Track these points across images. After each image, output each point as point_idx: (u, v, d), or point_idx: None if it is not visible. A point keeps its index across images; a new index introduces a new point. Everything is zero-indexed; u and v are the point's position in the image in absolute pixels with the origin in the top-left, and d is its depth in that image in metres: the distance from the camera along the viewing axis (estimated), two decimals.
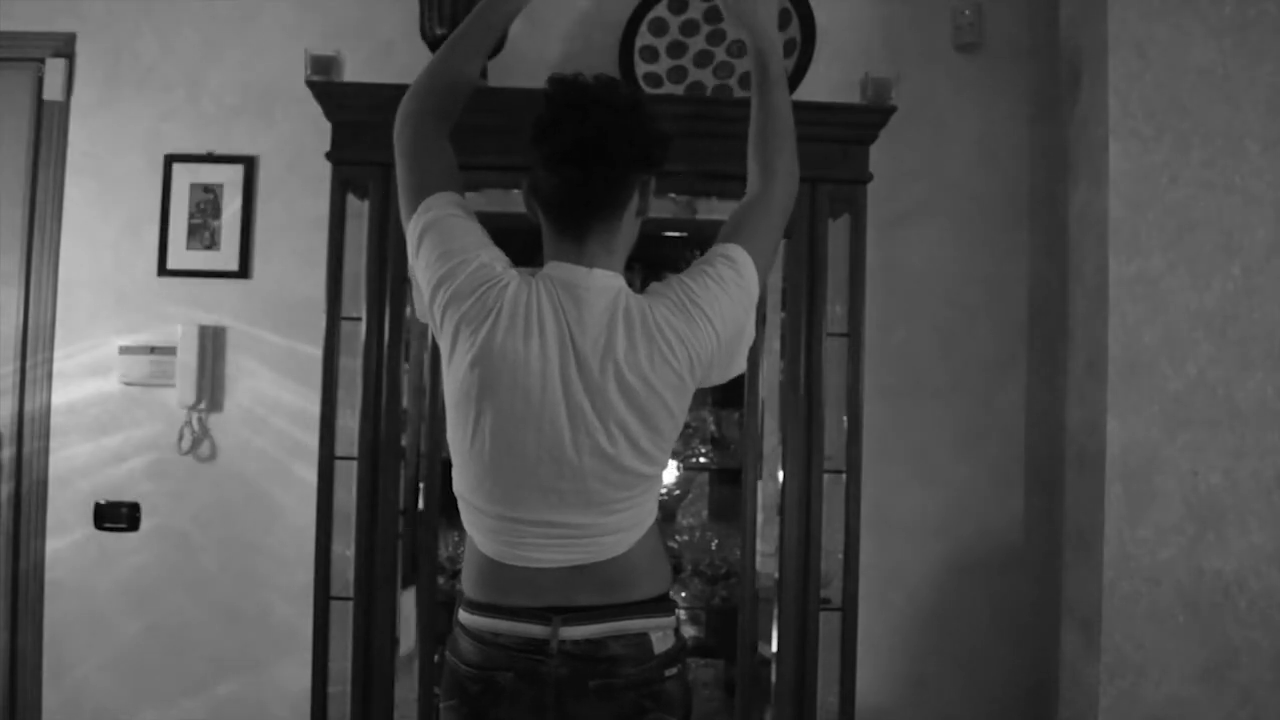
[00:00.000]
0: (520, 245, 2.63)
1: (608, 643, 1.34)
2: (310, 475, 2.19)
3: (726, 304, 1.36)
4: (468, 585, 1.41)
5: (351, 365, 2.14)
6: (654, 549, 1.41)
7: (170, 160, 2.55)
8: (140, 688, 2.52)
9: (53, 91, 2.56)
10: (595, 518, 1.34)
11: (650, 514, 1.41)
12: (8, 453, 2.53)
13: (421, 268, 1.35)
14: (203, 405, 2.52)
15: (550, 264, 1.35)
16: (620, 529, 1.36)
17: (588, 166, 1.28)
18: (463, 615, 1.40)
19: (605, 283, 1.32)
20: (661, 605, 1.39)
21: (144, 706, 2.52)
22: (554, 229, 1.36)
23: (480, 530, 1.38)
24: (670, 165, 2.17)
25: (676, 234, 2.38)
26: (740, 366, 1.42)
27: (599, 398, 1.28)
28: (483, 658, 1.36)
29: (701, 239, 2.43)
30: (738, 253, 1.40)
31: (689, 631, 2.56)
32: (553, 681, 1.33)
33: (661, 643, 1.37)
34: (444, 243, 1.34)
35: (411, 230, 1.38)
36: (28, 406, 2.53)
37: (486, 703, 1.35)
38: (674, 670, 1.38)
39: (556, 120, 1.28)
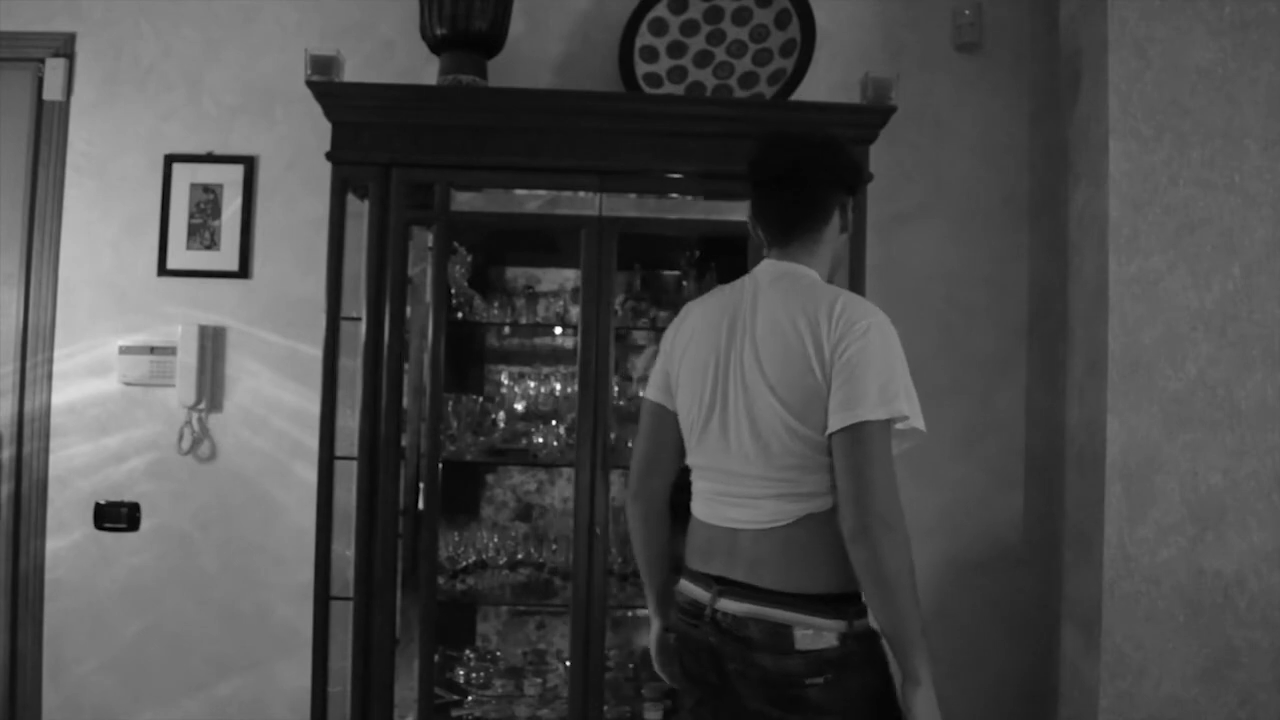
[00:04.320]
0: (519, 245, 2.64)
1: (748, 623, 1.41)
2: (310, 475, 2.19)
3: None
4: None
5: (351, 365, 2.14)
6: (819, 544, 1.40)
7: (170, 160, 2.55)
8: (140, 688, 2.52)
9: (53, 91, 2.56)
10: (765, 469, 1.43)
11: (812, 502, 1.41)
12: (8, 453, 2.53)
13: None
14: (203, 405, 2.52)
15: (758, 265, 1.58)
16: (782, 494, 1.42)
17: (788, 188, 1.54)
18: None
19: (799, 270, 1.53)
20: (816, 605, 1.39)
21: (144, 706, 2.52)
22: (766, 241, 1.59)
23: (697, 495, 1.57)
24: (671, 166, 2.20)
25: (676, 234, 2.38)
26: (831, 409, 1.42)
27: (750, 353, 1.46)
28: (673, 621, 1.58)
29: (701, 239, 2.45)
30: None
31: None
32: (705, 648, 1.47)
33: (809, 641, 1.38)
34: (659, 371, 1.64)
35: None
36: (28, 406, 2.53)
37: (666, 662, 1.63)
38: (819, 680, 1.37)
39: (764, 154, 1.56)
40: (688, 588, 1.52)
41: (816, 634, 1.38)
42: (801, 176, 1.53)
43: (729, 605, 1.43)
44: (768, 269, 1.55)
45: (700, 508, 1.54)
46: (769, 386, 1.42)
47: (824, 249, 1.55)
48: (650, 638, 1.70)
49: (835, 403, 1.37)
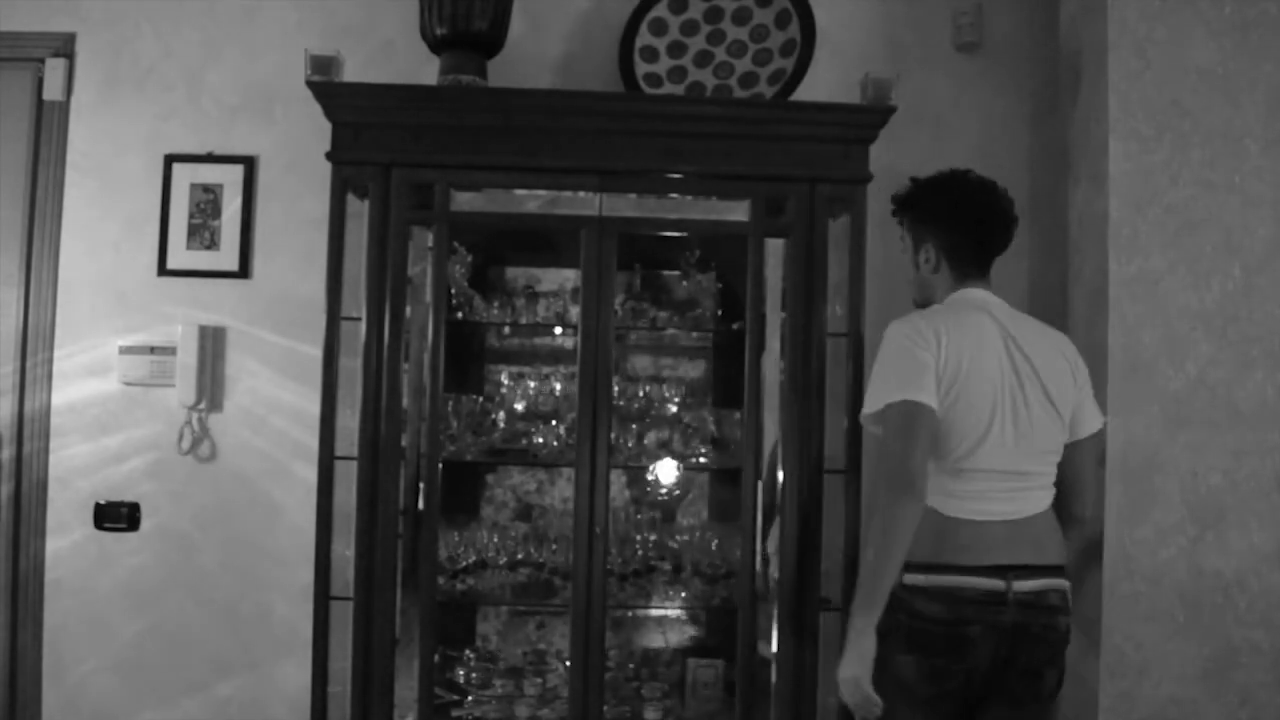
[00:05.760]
0: (519, 245, 2.64)
1: (1048, 594, 1.71)
2: (310, 475, 2.19)
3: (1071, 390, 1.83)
4: (926, 551, 1.69)
5: (351, 365, 2.14)
6: (1055, 521, 1.80)
7: (170, 160, 2.55)
8: (140, 688, 2.52)
9: (53, 91, 2.56)
10: (1041, 466, 1.77)
11: (1053, 491, 1.81)
12: (8, 453, 2.53)
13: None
14: (203, 405, 2.52)
15: (963, 292, 1.85)
16: (1044, 485, 1.79)
17: (997, 226, 1.88)
18: (918, 579, 1.69)
19: (1003, 302, 1.86)
20: (1065, 571, 1.78)
21: (144, 707, 2.52)
22: (960, 271, 1.87)
23: (950, 495, 1.73)
24: (671, 166, 2.20)
25: (676, 234, 2.38)
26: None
27: (1030, 369, 1.76)
28: (951, 614, 1.67)
29: (701, 239, 2.45)
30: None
31: (689, 631, 2.57)
32: (1010, 628, 1.67)
33: (1070, 600, 1.76)
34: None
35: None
36: (28, 406, 2.53)
37: (955, 653, 1.66)
38: (1069, 632, 1.76)
39: (973, 196, 1.89)
40: (970, 581, 1.68)
41: (1069, 593, 1.76)
42: (1005, 216, 1.88)
43: (1028, 584, 1.69)
44: (986, 299, 1.84)
45: (962, 506, 1.73)
46: (1051, 401, 1.75)
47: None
48: (865, 656, 1.63)
49: (1085, 414, 1.82)
